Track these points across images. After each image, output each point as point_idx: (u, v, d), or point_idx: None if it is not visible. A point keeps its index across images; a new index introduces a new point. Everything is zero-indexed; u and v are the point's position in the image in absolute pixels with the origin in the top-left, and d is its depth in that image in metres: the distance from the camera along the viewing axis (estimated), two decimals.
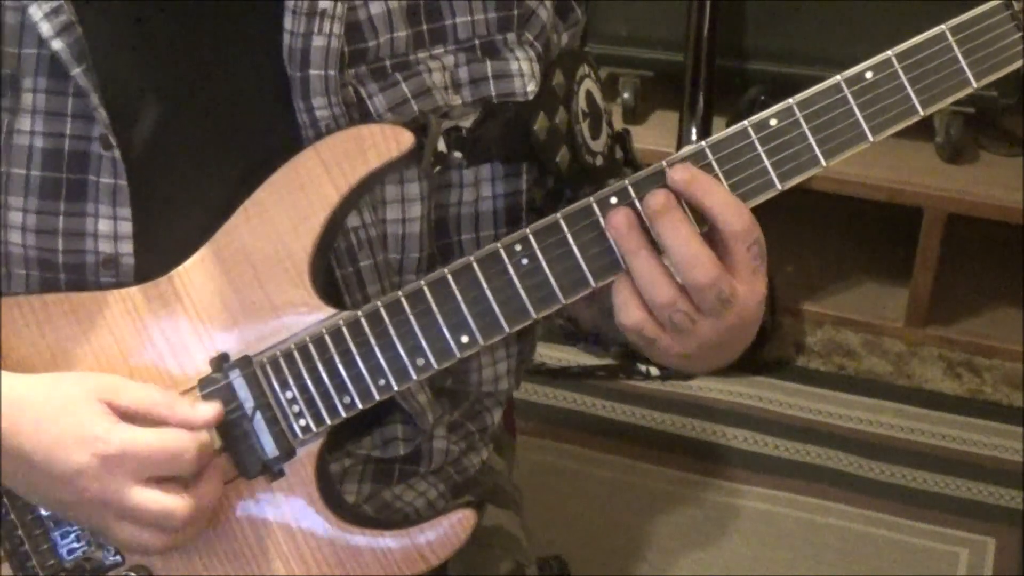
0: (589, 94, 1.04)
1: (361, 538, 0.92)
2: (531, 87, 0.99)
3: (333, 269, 0.96)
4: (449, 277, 0.88)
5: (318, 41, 0.91)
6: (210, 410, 0.89)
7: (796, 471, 2.15)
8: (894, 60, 0.84)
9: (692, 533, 2.03)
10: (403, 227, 0.97)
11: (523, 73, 0.99)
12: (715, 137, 0.86)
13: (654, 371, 2.35)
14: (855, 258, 2.60)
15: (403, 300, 0.89)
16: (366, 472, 1.05)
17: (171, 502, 0.87)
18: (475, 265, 0.88)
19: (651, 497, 2.10)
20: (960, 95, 0.85)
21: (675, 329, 0.85)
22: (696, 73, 2.34)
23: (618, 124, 2.43)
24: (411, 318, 0.89)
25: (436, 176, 0.98)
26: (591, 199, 0.86)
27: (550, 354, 2.38)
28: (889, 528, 2.04)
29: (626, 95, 2.52)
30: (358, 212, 0.95)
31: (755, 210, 0.86)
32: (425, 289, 0.88)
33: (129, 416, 0.88)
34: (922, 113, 0.85)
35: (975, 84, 0.85)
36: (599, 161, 1.04)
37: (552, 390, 2.33)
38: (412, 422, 1.02)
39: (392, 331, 0.89)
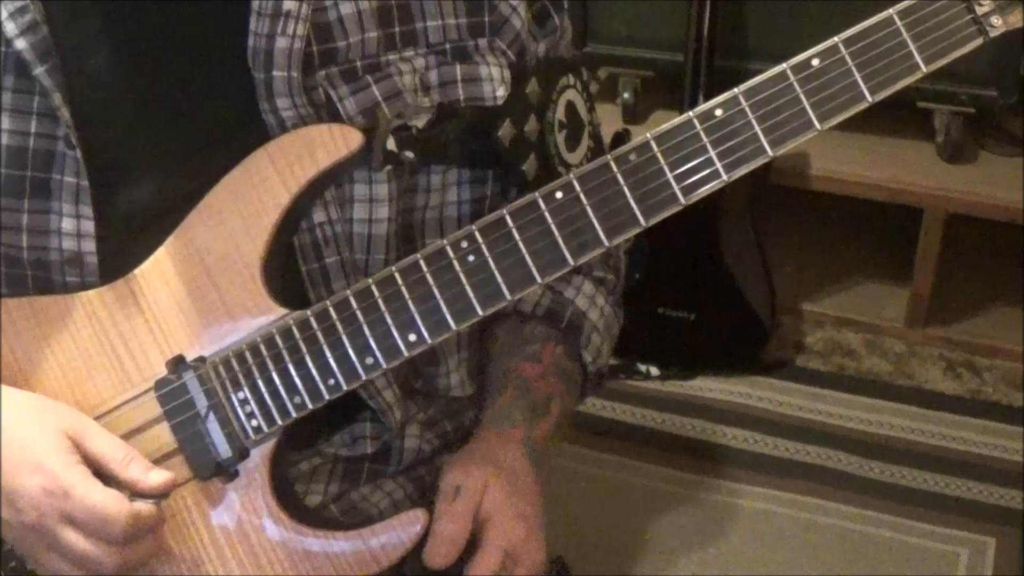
0: (571, 105, 1.03)
1: (314, 540, 0.93)
2: (500, 92, 0.98)
3: (299, 265, 0.96)
4: (396, 275, 0.88)
5: (281, 43, 0.91)
6: (159, 479, 0.89)
7: (796, 471, 2.15)
8: (841, 46, 0.83)
9: (692, 533, 2.03)
10: (369, 227, 0.97)
11: (493, 78, 0.98)
12: (660, 129, 0.85)
13: (654, 371, 2.35)
14: (855, 258, 2.60)
15: (351, 298, 0.89)
16: (335, 472, 1.05)
17: (98, 551, 0.88)
18: (422, 263, 0.88)
19: (651, 497, 2.10)
20: (910, 80, 0.83)
21: None
22: (696, 73, 2.34)
23: (618, 124, 2.43)
24: (359, 316, 0.89)
25: (403, 179, 0.97)
26: (536, 194, 0.86)
27: None
28: (889, 528, 2.04)
29: (626, 95, 2.52)
30: (323, 208, 0.95)
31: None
32: (373, 287, 0.89)
33: (88, 462, 0.89)
34: (870, 99, 0.83)
35: (925, 68, 0.83)
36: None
37: None
38: (380, 420, 1.02)
39: (341, 330, 0.89)
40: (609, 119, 2.45)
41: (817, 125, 0.84)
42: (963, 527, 2.04)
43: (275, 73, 0.91)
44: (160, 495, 0.89)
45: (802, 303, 2.49)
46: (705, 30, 2.31)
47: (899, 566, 1.97)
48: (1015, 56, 2.25)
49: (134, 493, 0.89)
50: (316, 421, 0.95)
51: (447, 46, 0.98)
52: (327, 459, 1.05)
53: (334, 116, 0.94)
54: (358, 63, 0.95)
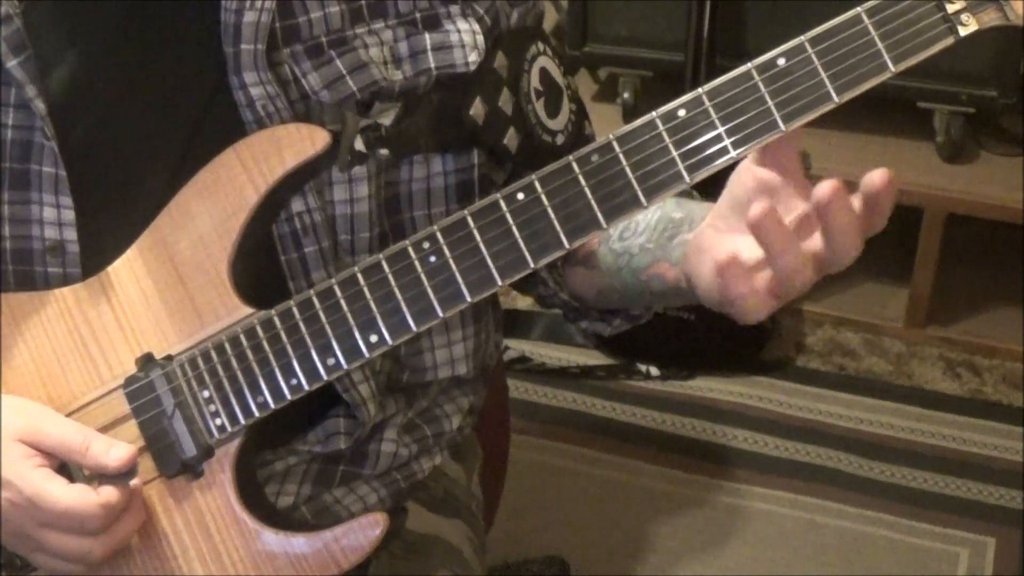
0: (544, 72, 1.02)
1: (275, 540, 0.93)
2: (473, 57, 0.97)
3: (278, 254, 0.96)
4: (359, 275, 0.88)
5: (249, 16, 0.91)
6: (121, 454, 0.89)
7: (796, 471, 2.15)
8: (807, 45, 0.80)
9: (692, 533, 2.03)
10: (351, 207, 0.97)
11: (464, 44, 0.97)
12: (622, 129, 0.83)
13: (654, 371, 2.35)
14: None
15: (314, 298, 0.89)
16: (309, 472, 1.04)
17: (83, 545, 0.89)
18: (384, 263, 0.87)
19: (651, 497, 2.10)
20: (878, 80, 0.81)
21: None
22: (696, 73, 2.34)
23: (618, 124, 2.42)
24: (322, 316, 0.89)
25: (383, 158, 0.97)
26: (498, 195, 0.85)
27: (550, 354, 2.38)
28: (889, 528, 2.04)
29: (626, 95, 2.52)
30: (302, 196, 0.95)
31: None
32: (336, 287, 0.88)
33: (50, 457, 0.90)
34: (837, 100, 0.81)
35: (893, 68, 0.80)
36: (560, 140, 1.02)
37: (552, 390, 2.33)
38: (355, 416, 1.02)
39: (303, 329, 0.89)
40: (609, 119, 2.45)
41: (782, 126, 0.82)
42: (963, 527, 2.04)
43: (242, 46, 0.91)
44: (126, 470, 0.90)
45: (802, 303, 2.48)
46: (705, 30, 2.31)
47: (899, 566, 1.97)
48: (1015, 56, 2.25)
49: (102, 476, 0.89)
50: (290, 417, 0.95)
51: (417, 15, 0.97)
52: (302, 458, 1.04)
53: (302, 94, 0.94)
54: (323, 39, 0.94)
